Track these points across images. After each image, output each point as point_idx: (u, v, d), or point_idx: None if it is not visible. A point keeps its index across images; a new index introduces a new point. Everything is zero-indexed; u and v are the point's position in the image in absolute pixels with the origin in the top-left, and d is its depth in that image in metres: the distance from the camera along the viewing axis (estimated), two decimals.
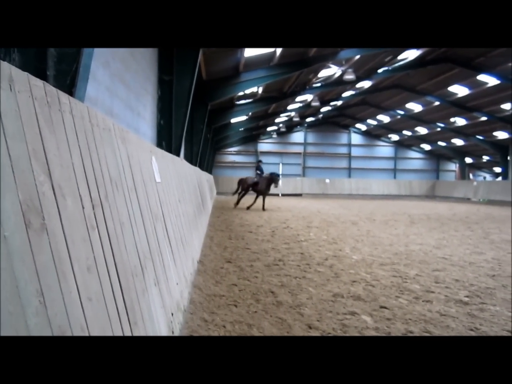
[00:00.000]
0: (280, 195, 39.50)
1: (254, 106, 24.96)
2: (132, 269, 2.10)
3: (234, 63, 16.02)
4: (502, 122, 29.33)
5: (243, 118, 29.24)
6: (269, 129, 40.82)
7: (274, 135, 44.59)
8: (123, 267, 1.92)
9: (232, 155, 44.72)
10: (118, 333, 1.64)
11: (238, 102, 23.91)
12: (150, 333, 2.14)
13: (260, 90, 22.42)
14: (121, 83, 6.46)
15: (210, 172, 33.23)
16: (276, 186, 18.08)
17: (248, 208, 17.73)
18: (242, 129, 34.46)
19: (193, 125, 16.07)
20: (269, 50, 15.10)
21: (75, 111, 1.79)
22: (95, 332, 1.45)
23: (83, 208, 1.63)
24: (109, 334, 1.56)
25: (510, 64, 20.37)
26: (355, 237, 9.35)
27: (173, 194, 4.77)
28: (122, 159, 2.46)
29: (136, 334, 1.87)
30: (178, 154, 9.14)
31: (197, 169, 12.08)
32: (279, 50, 15.30)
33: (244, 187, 18.95)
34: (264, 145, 45.04)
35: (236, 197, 19.56)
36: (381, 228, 11.41)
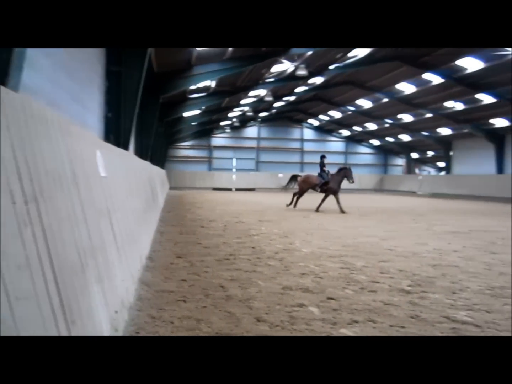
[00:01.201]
0: (233, 189, 39.57)
1: (207, 100, 24.80)
2: (71, 267, 2.02)
3: (187, 56, 15.81)
4: (445, 118, 30.86)
5: (196, 112, 28.97)
6: (222, 123, 40.69)
7: (228, 130, 44.48)
8: (60, 264, 1.85)
9: (186, 149, 44.23)
10: (52, 332, 1.58)
11: (191, 96, 23.64)
12: (91, 331, 2.07)
13: (213, 84, 22.28)
14: (65, 73, 6.20)
15: (163, 166, 32.66)
16: (351, 181, 14.94)
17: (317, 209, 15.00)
18: (196, 123, 34.13)
19: (144, 118, 15.69)
20: None
21: (6, 101, 1.70)
22: (25, 332, 1.39)
23: (13, 203, 1.55)
24: (42, 333, 1.50)
25: (453, 63, 21.39)
26: (306, 231, 9.52)
27: (120, 189, 4.65)
28: (61, 152, 2.37)
29: (74, 333, 1.81)
30: (126, 148, 8.90)
31: (147, 163, 11.84)
32: None
33: (306, 187, 15.86)
34: (218, 140, 44.87)
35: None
36: (331, 221, 11.67)
